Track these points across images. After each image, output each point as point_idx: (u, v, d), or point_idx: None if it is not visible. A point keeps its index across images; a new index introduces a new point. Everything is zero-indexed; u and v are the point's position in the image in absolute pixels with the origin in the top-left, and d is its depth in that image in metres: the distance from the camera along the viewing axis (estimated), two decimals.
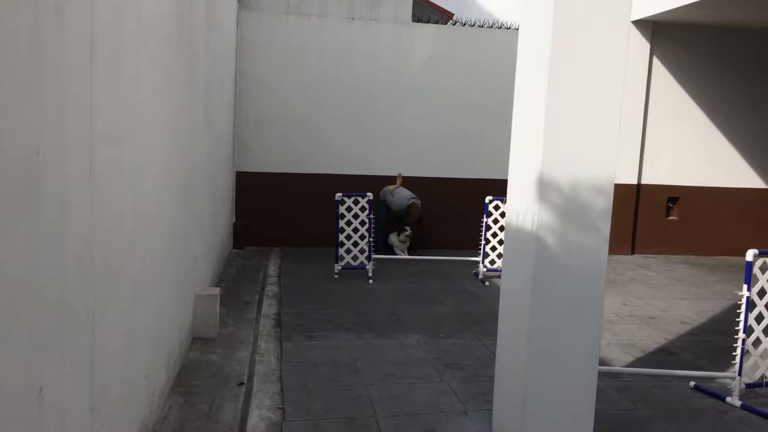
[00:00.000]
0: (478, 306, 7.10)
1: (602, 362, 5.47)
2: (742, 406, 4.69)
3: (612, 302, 7.50)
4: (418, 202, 9.29)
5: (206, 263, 6.49)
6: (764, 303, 4.87)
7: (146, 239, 3.72)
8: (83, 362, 2.65)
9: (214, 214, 7.16)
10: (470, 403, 4.56)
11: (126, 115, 3.21)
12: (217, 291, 5.75)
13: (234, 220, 9.67)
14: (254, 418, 4.16)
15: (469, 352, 5.63)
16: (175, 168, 4.59)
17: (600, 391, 4.73)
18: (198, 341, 5.48)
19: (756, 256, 4.79)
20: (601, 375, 5.02)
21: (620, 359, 5.67)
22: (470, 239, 9.27)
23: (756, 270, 4.79)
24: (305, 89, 9.87)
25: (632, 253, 10.57)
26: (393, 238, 9.45)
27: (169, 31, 4.26)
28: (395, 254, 9.30)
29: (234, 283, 7.58)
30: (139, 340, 3.59)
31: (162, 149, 4.15)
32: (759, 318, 4.87)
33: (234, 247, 9.50)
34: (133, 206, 3.40)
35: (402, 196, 9.33)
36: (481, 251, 8.41)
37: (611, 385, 4.99)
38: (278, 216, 9.83)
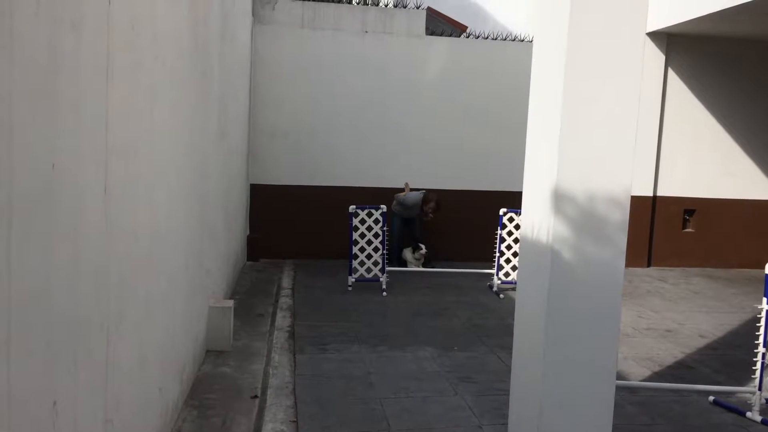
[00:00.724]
0: (492, 319, 7.05)
1: (619, 376, 5.40)
2: (763, 422, 4.60)
3: (628, 315, 7.42)
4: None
5: (220, 276, 6.50)
6: None
7: (160, 253, 3.73)
8: (97, 375, 2.65)
9: (228, 227, 7.18)
10: (485, 417, 4.51)
11: (141, 130, 3.23)
12: (230, 303, 5.76)
13: (248, 233, 9.70)
14: None
15: (483, 366, 5.58)
16: (189, 181, 4.61)
17: (618, 406, 4.66)
18: (212, 354, 5.48)
19: None
20: (618, 389, 4.96)
21: (637, 373, 5.60)
22: (484, 251, 9.23)
23: None
24: (319, 102, 9.92)
25: (648, 265, 10.47)
26: (407, 254, 9.43)
27: (184, 45, 4.29)
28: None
29: (248, 295, 7.59)
30: (152, 353, 3.59)
31: (177, 163, 4.17)
32: None
33: (248, 260, 9.51)
34: (148, 220, 3.42)
35: (414, 193, 9.36)
36: (495, 263, 8.36)
37: (628, 400, 4.92)
38: (292, 228, 9.84)
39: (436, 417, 4.49)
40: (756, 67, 10.47)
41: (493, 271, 8.42)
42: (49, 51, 2.07)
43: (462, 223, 10.13)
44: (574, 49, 3.49)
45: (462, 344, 6.16)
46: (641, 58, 3.61)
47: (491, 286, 8.42)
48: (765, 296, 4.72)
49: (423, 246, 9.32)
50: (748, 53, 10.39)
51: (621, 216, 3.65)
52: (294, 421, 4.31)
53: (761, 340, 4.70)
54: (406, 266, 9.32)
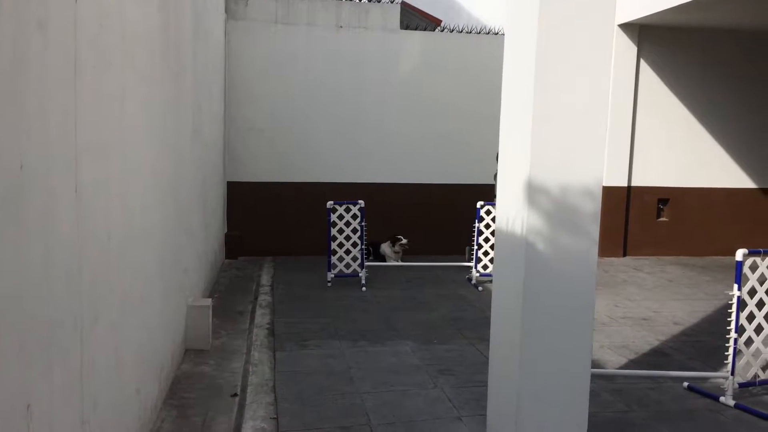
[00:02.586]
0: (471, 311, 7.10)
1: (595, 365, 5.48)
2: (736, 406, 4.70)
3: (605, 304, 7.52)
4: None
5: (198, 274, 6.47)
6: (755, 302, 4.89)
7: (136, 252, 3.71)
8: (72, 377, 2.63)
9: (205, 225, 7.14)
10: (464, 408, 4.55)
11: (112, 129, 3.20)
12: (209, 302, 5.74)
13: (226, 231, 9.65)
14: (248, 430, 4.13)
15: (462, 358, 5.62)
16: (164, 180, 4.58)
17: (594, 394, 4.74)
18: (191, 353, 5.46)
19: (746, 256, 4.81)
20: (595, 377, 5.03)
21: (613, 361, 5.68)
22: (463, 245, 9.28)
23: (746, 269, 4.81)
24: (294, 98, 9.89)
25: (624, 255, 10.61)
26: (386, 249, 9.44)
27: (155, 43, 4.26)
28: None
29: (227, 293, 7.56)
30: (129, 353, 3.57)
31: (151, 162, 4.14)
32: (750, 317, 4.89)
33: (226, 258, 9.48)
34: (122, 219, 3.39)
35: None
36: (474, 256, 8.41)
37: (605, 388, 4.99)
38: (270, 225, 9.82)
39: (416, 410, 4.52)
40: (726, 57, 10.62)
41: (472, 264, 8.47)
42: (15, 50, 2.04)
43: (440, 217, 10.17)
44: (544, 39, 3.52)
45: (442, 337, 6.20)
46: (611, 47, 3.65)
47: (470, 279, 8.48)
48: (736, 283, 4.81)
49: (402, 237, 9.33)
50: (718, 43, 10.54)
51: (593, 206, 3.70)
52: (274, 418, 4.32)
53: (733, 326, 4.79)
54: (384, 261, 9.35)
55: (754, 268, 4.86)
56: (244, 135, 9.84)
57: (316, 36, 9.89)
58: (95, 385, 2.91)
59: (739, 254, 4.80)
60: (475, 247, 8.39)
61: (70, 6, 2.54)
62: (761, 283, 4.90)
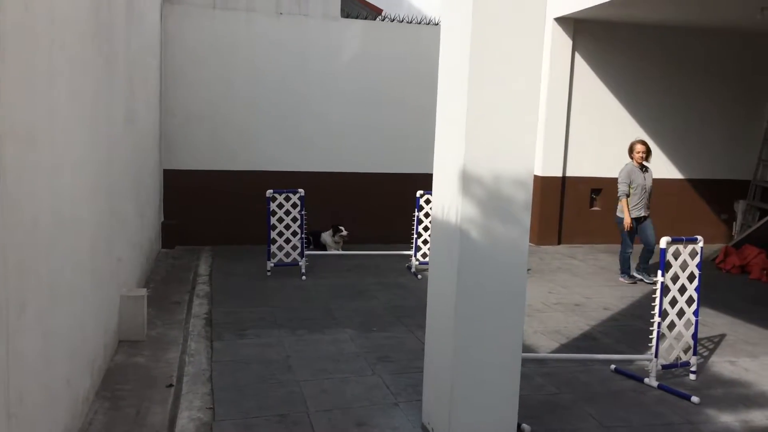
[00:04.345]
0: (410, 299, 7.19)
1: (529, 349, 5.67)
2: (659, 387, 4.93)
3: (539, 291, 7.74)
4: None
5: (132, 264, 6.33)
6: (677, 288, 5.13)
7: (65, 240, 3.61)
8: None
9: (140, 214, 6.99)
10: (401, 394, 4.63)
11: (39, 113, 3.11)
12: (143, 292, 5.63)
13: (162, 220, 9.46)
14: (183, 420, 4.10)
15: (401, 345, 5.70)
16: (95, 167, 4.47)
17: (526, 378, 4.90)
18: (125, 344, 5.36)
19: (669, 244, 5.04)
20: (528, 362, 5.21)
21: (546, 346, 5.86)
22: (403, 233, 9.36)
23: (669, 257, 5.04)
24: (235, 85, 9.74)
25: (559, 243, 10.92)
26: (326, 238, 9.44)
27: (86, 28, 4.13)
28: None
29: (163, 283, 7.43)
30: (58, 344, 3.48)
31: (81, 148, 4.03)
32: (673, 302, 5.13)
33: (163, 247, 9.29)
34: (50, 206, 3.30)
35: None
36: (414, 245, 8.51)
37: (537, 372, 5.16)
38: (209, 214, 9.67)
39: (354, 397, 4.57)
40: (653, 53, 11.01)
41: (412, 252, 8.57)
42: None
43: (381, 206, 10.23)
44: (478, 32, 3.59)
45: (381, 325, 6.27)
46: (542, 40, 3.75)
47: (410, 267, 8.57)
48: (660, 269, 5.03)
49: (343, 228, 9.35)
50: (646, 39, 10.91)
51: (525, 196, 3.80)
52: (211, 408, 4.29)
53: (657, 310, 5.01)
54: (325, 250, 9.35)
55: (677, 255, 5.10)
56: (182, 122, 9.63)
57: (256, 22, 9.76)
58: (22, 377, 2.84)
59: (663, 242, 5.02)
60: (415, 236, 8.49)
61: None
62: (683, 269, 5.15)
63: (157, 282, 7.46)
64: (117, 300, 5.35)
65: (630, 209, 8.33)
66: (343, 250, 9.36)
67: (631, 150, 8.47)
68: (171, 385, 4.64)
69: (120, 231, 5.54)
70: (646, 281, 8.28)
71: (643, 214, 8.41)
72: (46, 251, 3.22)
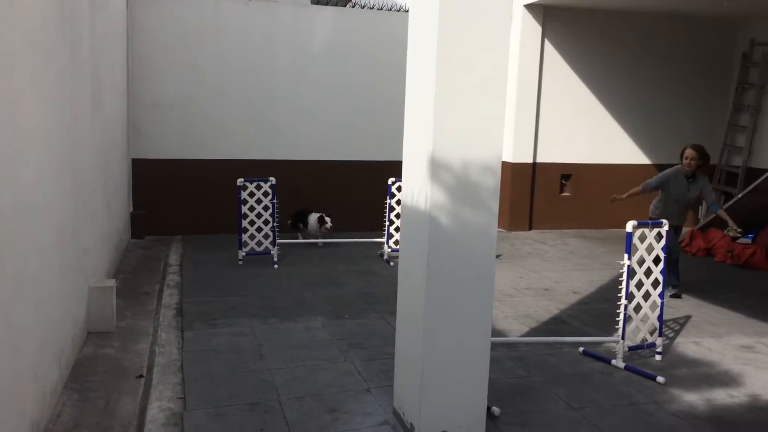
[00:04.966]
0: (382, 286, 7.22)
1: (499, 333, 5.74)
2: (626, 368, 5.03)
3: (510, 276, 7.82)
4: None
5: (100, 254, 6.25)
6: (643, 271, 5.22)
7: (29, 230, 3.55)
8: None
9: (107, 203, 6.89)
10: (373, 380, 4.66)
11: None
12: (112, 283, 5.57)
13: (132, 209, 9.34)
14: (154, 410, 4.08)
15: (373, 332, 5.73)
16: (60, 155, 4.39)
17: (497, 361, 4.97)
18: (94, 335, 5.30)
19: (635, 227, 5.12)
20: (498, 346, 5.28)
21: (516, 330, 5.94)
22: (375, 221, 9.37)
23: (635, 240, 5.13)
24: (204, 72, 9.62)
25: (530, 229, 11.03)
26: (312, 222, 9.03)
27: (48, 13, 4.05)
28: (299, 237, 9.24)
29: (132, 274, 7.35)
30: (24, 336, 3.43)
31: (44, 137, 3.96)
32: (639, 285, 5.23)
33: (132, 237, 9.19)
34: (12, 197, 3.24)
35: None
36: (386, 232, 8.53)
37: (507, 355, 5.23)
38: (179, 204, 9.57)
39: (326, 383, 4.59)
40: (623, 39, 11.12)
41: (384, 239, 8.59)
42: None
43: (353, 194, 10.22)
44: (445, 18, 3.58)
45: (353, 312, 6.28)
46: (509, 25, 3.77)
47: (382, 255, 8.60)
48: (626, 253, 5.12)
49: (329, 220, 9.03)
50: (616, 26, 11.01)
51: (493, 181, 3.83)
52: (182, 398, 4.27)
53: (623, 293, 5.11)
54: (306, 229, 9.13)
55: (642, 238, 5.20)
56: (150, 110, 9.50)
57: (225, 9, 9.63)
58: None
59: (629, 226, 5.10)
60: (387, 223, 8.51)
61: None
62: (649, 253, 5.24)
63: (126, 272, 7.38)
64: (85, 291, 5.28)
65: (659, 214, 7.09)
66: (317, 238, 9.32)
67: (681, 154, 7.09)
68: (141, 376, 4.61)
69: (87, 221, 5.46)
70: (670, 294, 7.04)
71: (674, 223, 6.86)
72: (9, 241, 3.17)
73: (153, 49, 9.39)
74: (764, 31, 11.07)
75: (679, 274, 7.18)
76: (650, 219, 6.80)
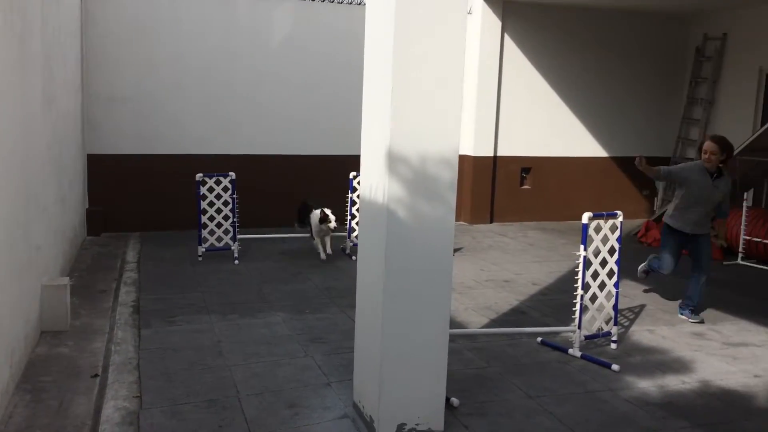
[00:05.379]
0: (344, 280, 7.21)
1: (460, 325, 5.79)
2: (582, 356, 5.12)
3: (471, 269, 7.89)
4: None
5: (54, 252, 6.11)
6: (599, 261, 5.32)
7: None
8: None
9: (61, 200, 6.74)
10: (333, 374, 4.66)
11: None
12: (66, 281, 5.46)
13: (87, 206, 9.15)
14: (109, 410, 4.01)
15: (334, 326, 5.72)
16: (9, 150, 4.27)
17: (457, 353, 5.02)
18: (48, 335, 5.19)
19: (590, 219, 5.21)
20: (459, 338, 5.33)
21: (477, 322, 6.00)
22: (338, 215, 9.33)
23: (591, 231, 5.22)
24: (161, 66, 9.46)
25: (491, 221, 11.13)
26: (314, 220, 8.04)
27: None
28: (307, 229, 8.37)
29: (88, 271, 7.21)
30: None
31: None
32: (595, 275, 5.32)
33: (89, 235, 9.00)
34: None
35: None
36: (347, 226, 8.52)
37: (467, 347, 5.27)
38: (137, 200, 9.41)
39: (286, 379, 4.57)
40: (585, 33, 11.28)
41: (346, 233, 8.57)
42: None
43: (314, 189, 10.16)
44: (402, 11, 3.58)
45: (314, 307, 6.27)
46: (465, 19, 3.79)
47: (344, 249, 8.58)
48: (582, 244, 5.20)
49: (333, 219, 7.98)
50: (573, 21, 11.17)
51: (450, 175, 3.84)
52: (138, 397, 4.21)
53: (579, 283, 5.19)
54: (311, 227, 8.27)
55: (598, 229, 5.29)
56: (106, 105, 9.31)
57: (180, 1, 9.47)
58: None
59: (585, 217, 5.19)
60: (349, 217, 8.50)
61: None
62: (604, 243, 5.34)
63: (81, 270, 7.23)
64: (38, 289, 5.16)
65: (671, 216, 6.14)
66: (275, 234, 9.20)
67: (698, 148, 6.34)
68: (96, 375, 4.53)
69: (39, 217, 5.33)
70: (691, 320, 6.14)
71: (689, 231, 6.05)
72: None
73: (108, 43, 9.20)
74: (716, 25, 11.35)
75: (701, 295, 6.16)
76: (667, 225, 6.16)
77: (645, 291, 6.35)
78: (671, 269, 6.24)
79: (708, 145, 5.93)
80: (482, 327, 5.86)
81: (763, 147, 9.18)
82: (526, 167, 11.37)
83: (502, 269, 8.01)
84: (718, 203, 6.05)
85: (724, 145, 5.90)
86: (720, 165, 5.95)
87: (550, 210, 11.42)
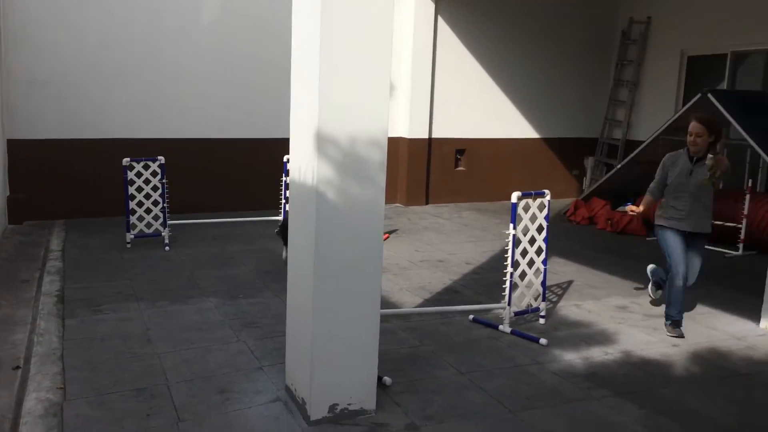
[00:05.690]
0: (278, 264, 7.15)
1: (394, 306, 5.84)
2: (512, 332, 5.25)
3: (406, 250, 7.96)
4: None
5: None
6: (527, 239, 5.44)
7: None
8: None
9: None
10: (266, 358, 4.63)
11: None
12: None
13: (8, 194, 8.75)
14: (31, 402, 3.86)
15: (267, 310, 5.68)
16: None
17: (391, 333, 5.07)
18: None
19: (519, 198, 5.32)
20: (392, 318, 5.38)
21: (410, 302, 6.06)
22: (272, 199, 9.25)
23: (520, 210, 5.33)
24: (85, 47, 9.09)
25: (427, 203, 11.24)
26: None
27: None
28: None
29: (9, 261, 6.92)
30: None
31: None
32: (524, 253, 5.45)
33: (10, 223, 8.62)
34: None
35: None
36: (282, 210, 8.44)
37: (401, 327, 5.32)
38: (60, 186, 9.06)
39: (217, 364, 4.51)
40: (516, 16, 11.46)
41: (280, 217, 8.49)
42: None
43: (247, 172, 10.04)
44: None
45: (248, 291, 6.20)
46: (392, 2, 3.78)
47: (278, 233, 8.49)
48: (511, 223, 5.31)
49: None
50: (509, 3, 11.33)
51: (380, 156, 3.84)
52: (62, 388, 4.07)
53: (509, 261, 5.30)
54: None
55: (527, 208, 5.40)
56: (26, 88, 8.88)
57: None
58: None
59: (514, 197, 5.29)
60: (283, 201, 8.41)
61: None
62: (533, 222, 5.46)
63: (2, 260, 6.93)
64: None
65: (661, 214, 5.46)
66: (207, 218, 9.06)
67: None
68: (18, 367, 4.36)
69: None
70: (651, 295, 6.14)
71: (683, 228, 5.32)
72: None
73: (27, 23, 8.77)
74: (641, 9, 11.71)
75: (683, 303, 5.35)
76: (659, 226, 5.47)
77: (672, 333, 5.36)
78: (686, 272, 5.28)
79: (693, 126, 5.24)
80: (416, 306, 5.93)
81: (684, 127, 9.54)
82: (461, 149, 11.50)
83: (436, 250, 8.10)
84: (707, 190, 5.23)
85: (712, 126, 5.22)
86: (707, 149, 5.22)
87: (484, 191, 11.62)
